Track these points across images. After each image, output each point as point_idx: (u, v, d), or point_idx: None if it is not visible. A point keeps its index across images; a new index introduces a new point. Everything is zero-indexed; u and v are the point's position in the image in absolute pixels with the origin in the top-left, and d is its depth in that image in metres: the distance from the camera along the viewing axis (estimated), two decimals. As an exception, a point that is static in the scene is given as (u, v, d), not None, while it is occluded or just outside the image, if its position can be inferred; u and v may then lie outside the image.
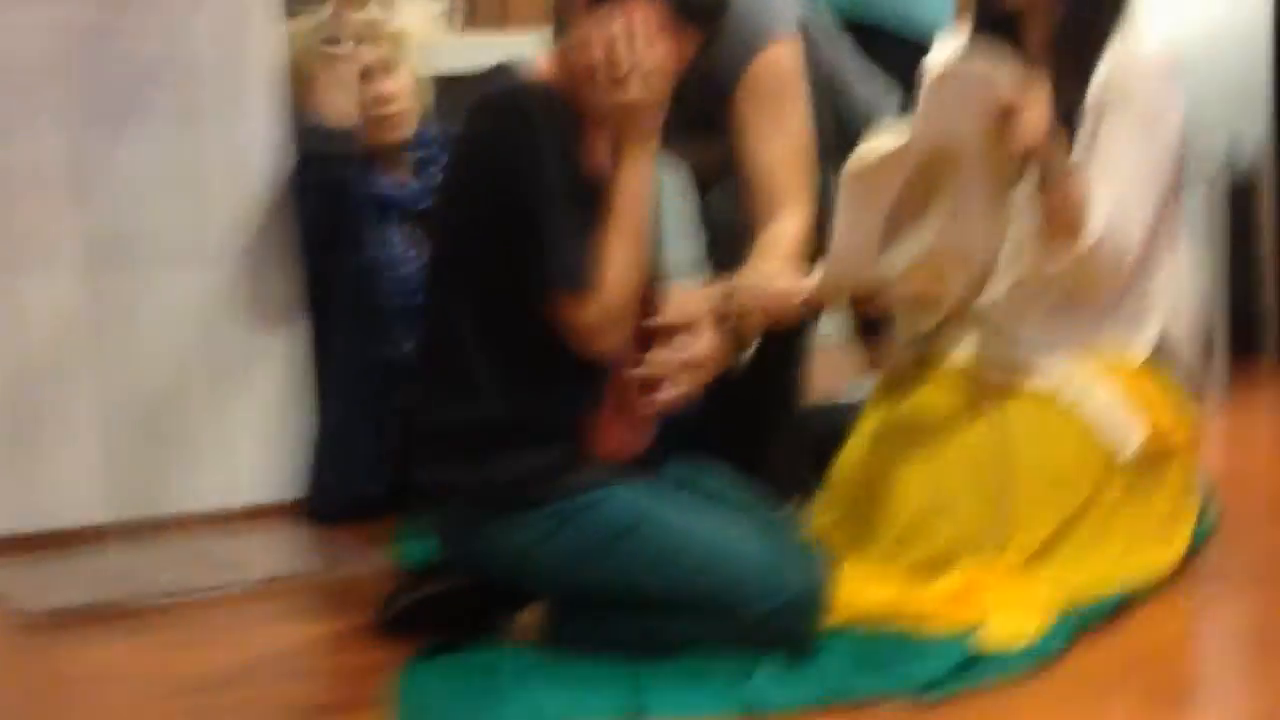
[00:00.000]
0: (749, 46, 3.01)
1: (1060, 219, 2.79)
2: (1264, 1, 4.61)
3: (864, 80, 3.31)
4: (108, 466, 3.38)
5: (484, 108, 2.67)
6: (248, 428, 3.51)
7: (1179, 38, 2.98)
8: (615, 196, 2.63)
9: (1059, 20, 2.90)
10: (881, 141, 2.72)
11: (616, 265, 2.60)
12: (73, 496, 3.36)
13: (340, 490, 3.50)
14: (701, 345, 2.70)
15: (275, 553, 3.34)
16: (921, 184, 2.74)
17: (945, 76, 2.73)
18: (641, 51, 2.60)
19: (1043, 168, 2.73)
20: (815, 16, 3.25)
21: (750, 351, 2.76)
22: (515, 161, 2.58)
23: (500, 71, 2.75)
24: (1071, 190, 2.76)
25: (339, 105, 3.30)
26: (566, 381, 2.64)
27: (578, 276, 2.58)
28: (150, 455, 3.43)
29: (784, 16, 3.09)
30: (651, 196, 2.67)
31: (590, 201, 2.63)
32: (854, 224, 2.70)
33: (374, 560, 3.21)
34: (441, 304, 2.70)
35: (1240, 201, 4.64)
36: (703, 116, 3.00)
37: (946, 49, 3.06)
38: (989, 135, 2.70)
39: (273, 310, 3.49)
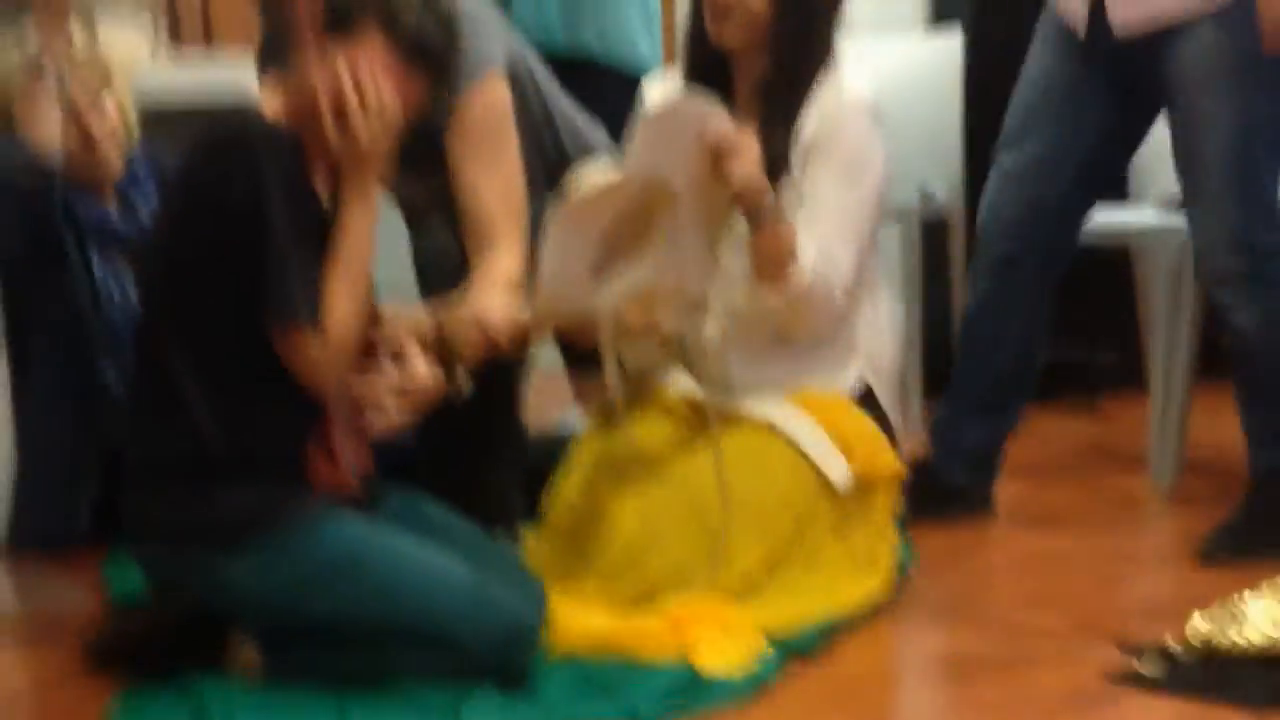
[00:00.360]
0: (459, 83, 3.03)
1: (769, 260, 2.87)
2: (956, 51, 4.78)
3: (574, 113, 3.35)
4: None
5: (211, 143, 2.65)
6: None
7: (877, 86, 3.07)
8: (340, 236, 2.64)
9: (766, 65, 2.98)
10: (594, 174, 2.77)
11: (340, 304, 2.61)
12: None
13: (43, 522, 3.42)
14: (413, 372, 2.70)
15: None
16: (634, 219, 2.79)
17: (660, 113, 2.79)
18: (369, 94, 2.61)
19: (752, 209, 2.81)
20: (523, 50, 3.29)
21: (467, 384, 2.77)
22: (242, 197, 2.57)
23: (233, 113, 2.73)
24: (780, 232, 2.84)
25: (44, 133, 3.22)
26: (282, 413, 2.63)
27: (302, 312, 2.58)
28: None
29: (493, 52, 3.12)
30: (374, 236, 2.68)
31: (316, 237, 2.64)
32: (564, 254, 2.73)
33: (80, 593, 3.14)
34: (155, 335, 2.66)
35: (933, 244, 4.80)
36: (414, 149, 3.01)
37: (659, 88, 3.13)
38: (701, 174, 2.77)
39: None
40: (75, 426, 3.43)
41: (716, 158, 2.76)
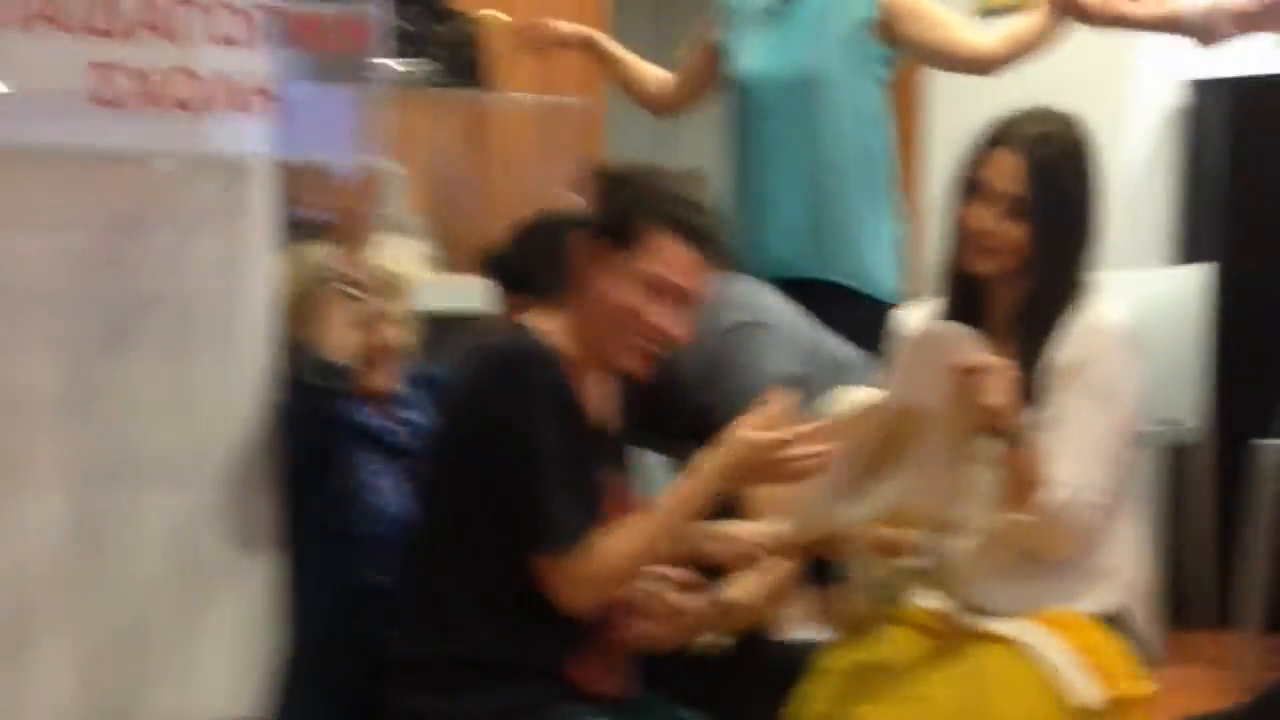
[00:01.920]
0: (744, 395, 3.14)
1: (1022, 481, 2.89)
2: (1202, 282, 4.80)
3: (843, 353, 3.46)
4: (82, 686, 3.39)
5: (491, 359, 2.76)
6: (219, 649, 3.53)
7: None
8: (678, 493, 2.72)
9: (1021, 293, 3.03)
10: (856, 396, 2.84)
11: (636, 551, 2.68)
12: (48, 716, 3.36)
13: (307, 716, 3.53)
14: (680, 601, 2.78)
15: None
16: (886, 441, 2.85)
17: (918, 340, 2.85)
18: None
19: (1005, 430, 2.84)
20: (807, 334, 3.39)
21: (729, 642, 2.84)
22: (511, 419, 2.66)
23: (517, 330, 2.84)
24: (1030, 454, 2.87)
25: (340, 341, 3.38)
26: (548, 621, 2.70)
27: (559, 540, 2.65)
28: (123, 675, 3.44)
29: (781, 364, 3.27)
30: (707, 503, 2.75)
31: (587, 456, 2.72)
32: (826, 474, 2.79)
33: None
34: (425, 541, 2.76)
35: (1181, 473, 4.78)
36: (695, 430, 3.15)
37: (914, 315, 3.20)
38: (953, 395, 2.82)
39: (252, 534, 3.54)
40: (338, 624, 3.53)
41: (968, 377, 2.80)
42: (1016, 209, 2.99)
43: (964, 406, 2.83)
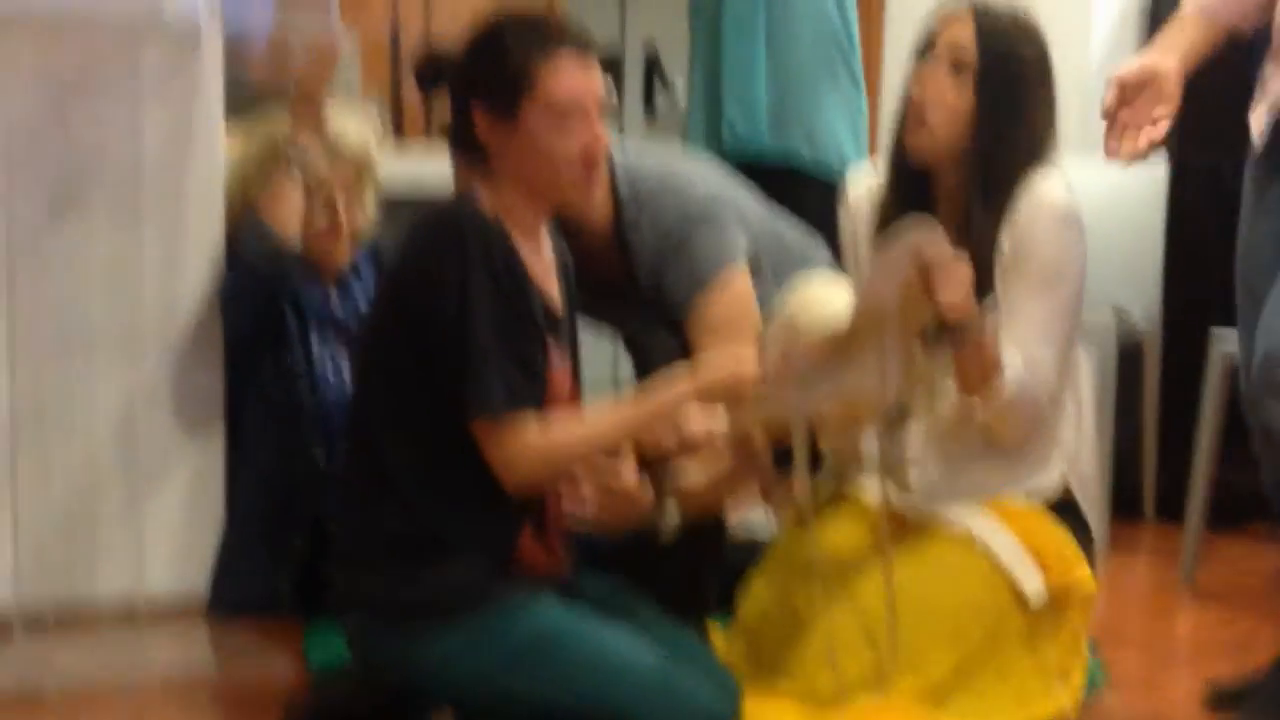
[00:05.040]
0: (700, 278, 3.22)
1: (974, 373, 2.88)
2: (1160, 181, 4.79)
3: (795, 242, 3.45)
4: (17, 556, 3.37)
5: (421, 231, 2.72)
6: (159, 523, 3.53)
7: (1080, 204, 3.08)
8: (643, 400, 2.71)
9: (968, 177, 2.99)
10: (814, 289, 2.80)
11: (586, 439, 2.68)
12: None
13: (245, 590, 3.53)
14: (619, 471, 2.77)
15: (181, 650, 3.36)
16: (842, 335, 2.82)
17: (887, 253, 2.78)
18: None
19: (958, 328, 2.84)
20: (756, 218, 3.39)
21: (672, 522, 2.83)
22: (447, 285, 2.63)
23: (456, 199, 2.81)
24: (985, 347, 2.86)
25: (285, 219, 3.34)
26: (493, 497, 2.69)
27: (497, 405, 2.63)
28: (61, 546, 3.43)
29: (735, 245, 3.27)
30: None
31: (530, 327, 2.70)
32: (778, 378, 2.76)
33: (280, 661, 3.23)
34: (368, 415, 2.73)
35: (1128, 367, 4.79)
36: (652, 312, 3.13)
37: (861, 184, 3.17)
38: (910, 291, 2.80)
39: (194, 410, 3.52)
40: (283, 499, 3.53)
41: (927, 280, 2.78)
42: (961, 64, 2.96)
43: (921, 302, 2.81)
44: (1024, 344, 2.92)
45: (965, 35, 2.96)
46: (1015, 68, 2.97)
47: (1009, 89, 2.96)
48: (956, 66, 2.95)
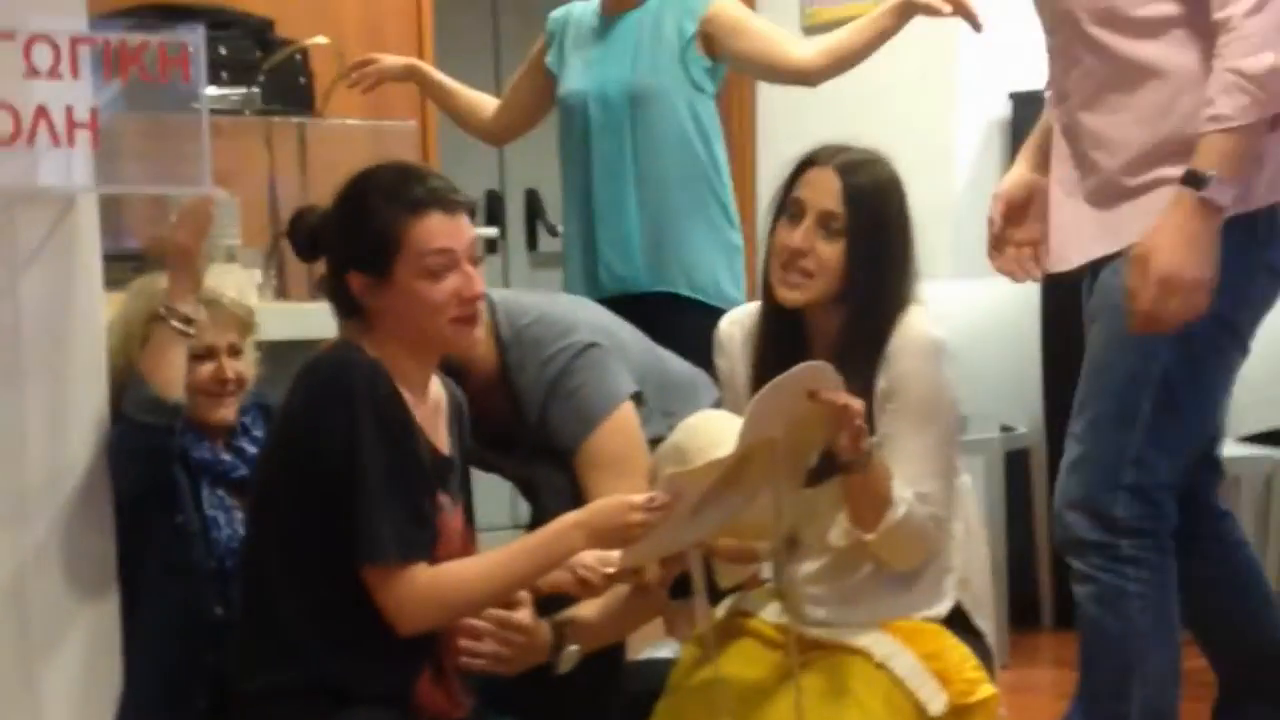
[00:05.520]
0: (587, 421, 3.26)
1: (867, 505, 2.94)
2: (1032, 296, 4.88)
3: (682, 377, 3.51)
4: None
5: (315, 374, 2.74)
6: (56, 691, 3.47)
7: (955, 327, 3.15)
8: (534, 545, 2.74)
9: (843, 318, 3.06)
10: (705, 423, 2.83)
11: (477, 586, 2.70)
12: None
13: (150, 752, 3.48)
14: (516, 618, 2.78)
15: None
16: (732, 467, 2.84)
17: (778, 385, 2.81)
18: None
19: (852, 461, 2.87)
20: (639, 346, 3.47)
21: (572, 661, 2.84)
22: (335, 432, 2.64)
23: (340, 345, 2.83)
24: (877, 479, 2.92)
25: (172, 375, 3.34)
26: (389, 643, 2.69)
27: (389, 551, 2.64)
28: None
29: (620, 387, 3.32)
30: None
31: (419, 473, 2.71)
32: (669, 511, 2.76)
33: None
34: (261, 565, 2.74)
35: (1016, 477, 4.86)
36: (539, 454, 3.15)
37: (740, 316, 3.22)
38: (801, 422, 2.83)
39: (86, 573, 3.48)
40: (184, 659, 3.48)
41: (820, 415, 2.80)
42: (832, 226, 3.01)
43: (811, 435, 2.84)
44: (912, 479, 2.97)
45: (833, 202, 3.01)
46: (883, 225, 3.05)
47: (878, 245, 3.04)
48: (826, 229, 3.01)
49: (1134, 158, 3.02)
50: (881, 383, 3.02)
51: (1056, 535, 3.08)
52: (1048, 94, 3.28)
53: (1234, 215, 2.91)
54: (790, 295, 3.05)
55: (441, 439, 2.83)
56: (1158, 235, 2.88)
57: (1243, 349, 3.07)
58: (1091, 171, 3.09)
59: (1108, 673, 2.94)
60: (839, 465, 2.89)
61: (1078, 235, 3.12)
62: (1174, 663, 2.98)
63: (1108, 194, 3.06)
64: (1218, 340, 3.01)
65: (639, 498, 2.72)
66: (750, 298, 3.85)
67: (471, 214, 2.84)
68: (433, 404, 2.84)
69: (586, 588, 2.88)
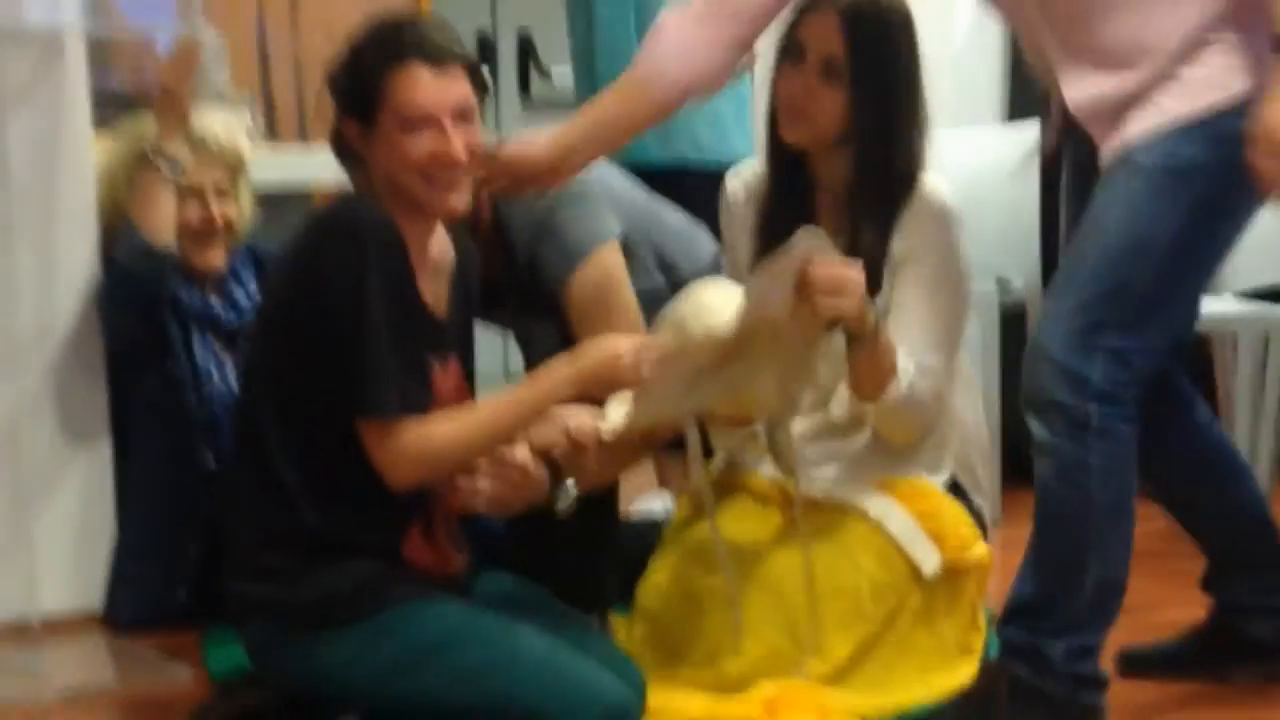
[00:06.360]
0: (572, 256, 3.21)
1: (868, 378, 2.89)
2: (1032, 143, 4.83)
3: (687, 239, 3.44)
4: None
5: (323, 226, 2.70)
6: (50, 537, 3.48)
7: (956, 177, 3.09)
8: (524, 390, 2.70)
9: (847, 170, 2.99)
10: (707, 301, 2.78)
11: (469, 438, 2.66)
12: None
13: (142, 599, 3.49)
14: (512, 453, 2.75)
15: (77, 664, 3.31)
16: (734, 341, 2.80)
17: (774, 264, 2.75)
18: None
19: (851, 331, 2.81)
20: (638, 213, 3.39)
21: (569, 502, 2.82)
22: (342, 281, 2.61)
23: (347, 198, 2.80)
24: (879, 352, 2.86)
25: (162, 220, 3.30)
26: (380, 497, 2.67)
27: (385, 406, 2.62)
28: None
29: (602, 229, 3.26)
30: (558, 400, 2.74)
31: (417, 332, 2.69)
32: (664, 378, 2.74)
33: (179, 672, 3.20)
34: (256, 417, 2.71)
35: (1012, 333, 4.83)
36: (532, 303, 3.11)
37: (739, 181, 3.16)
38: (803, 304, 2.77)
39: (79, 422, 3.48)
40: (175, 507, 3.49)
41: (816, 293, 2.72)
42: (833, 70, 2.95)
43: (813, 314, 2.79)
44: (916, 349, 2.93)
45: (834, 43, 2.94)
46: (888, 70, 2.96)
47: (884, 91, 2.96)
48: (828, 73, 2.95)
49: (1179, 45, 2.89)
50: (897, 246, 2.97)
51: (1023, 385, 2.93)
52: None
53: None
54: (792, 133, 2.99)
55: (438, 299, 2.79)
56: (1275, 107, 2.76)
57: (1243, 227, 2.99)
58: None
59: (1064, 545, 2.91)
60: (845, 336, 2.84)
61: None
62: (1128, 535, 2.95)
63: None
64: (1237, 215, 2.93)
65: (626, 347, 2.69)
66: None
67: (473, 72, 2.78)
68: (433, 263, 2.80)
69: (579, 449, 2.86)
